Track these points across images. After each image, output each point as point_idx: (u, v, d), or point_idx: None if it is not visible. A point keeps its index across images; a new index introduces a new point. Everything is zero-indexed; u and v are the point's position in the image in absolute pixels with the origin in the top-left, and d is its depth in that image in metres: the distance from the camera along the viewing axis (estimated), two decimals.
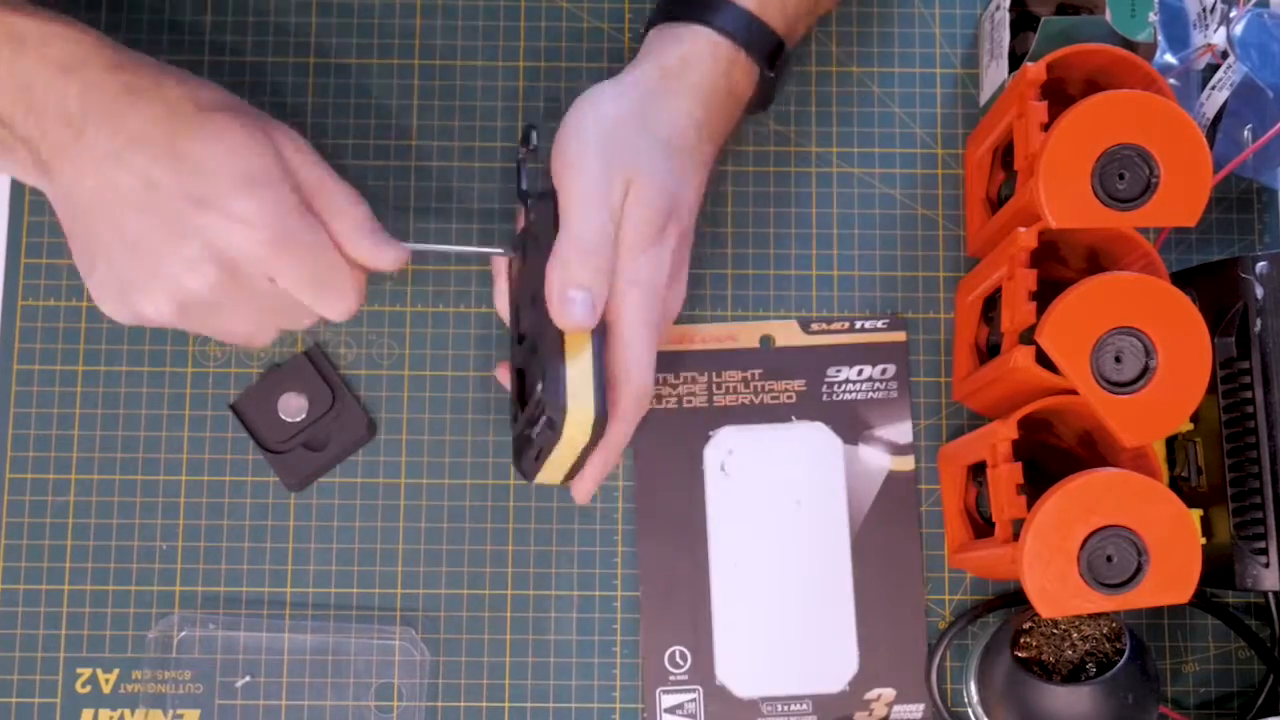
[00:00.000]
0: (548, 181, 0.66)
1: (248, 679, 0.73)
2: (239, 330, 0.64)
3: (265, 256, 0.59)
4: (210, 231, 0.59)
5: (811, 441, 0.76)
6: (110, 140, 0.59)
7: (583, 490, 0.69)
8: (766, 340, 0.77)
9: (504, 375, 0.71)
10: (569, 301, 0.62)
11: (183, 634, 0.73)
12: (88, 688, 0.73)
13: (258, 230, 0.59)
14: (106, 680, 0.73)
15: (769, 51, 0.70)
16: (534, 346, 0.65)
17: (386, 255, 0.64)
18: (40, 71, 0.59)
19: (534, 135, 0.69)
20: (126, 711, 0.73)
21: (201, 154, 0.59)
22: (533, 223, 0.66)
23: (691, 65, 0.68)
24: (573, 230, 0.63)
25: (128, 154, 0.58)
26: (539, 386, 0.62)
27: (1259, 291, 0.67)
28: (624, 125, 0.66)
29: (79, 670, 0.73)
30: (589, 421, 0.62)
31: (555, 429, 0.62)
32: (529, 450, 0.66)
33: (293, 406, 0.74)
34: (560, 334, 0.63)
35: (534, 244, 0.65)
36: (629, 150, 0.65)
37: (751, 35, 0.69)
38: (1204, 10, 0.74)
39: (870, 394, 0.76)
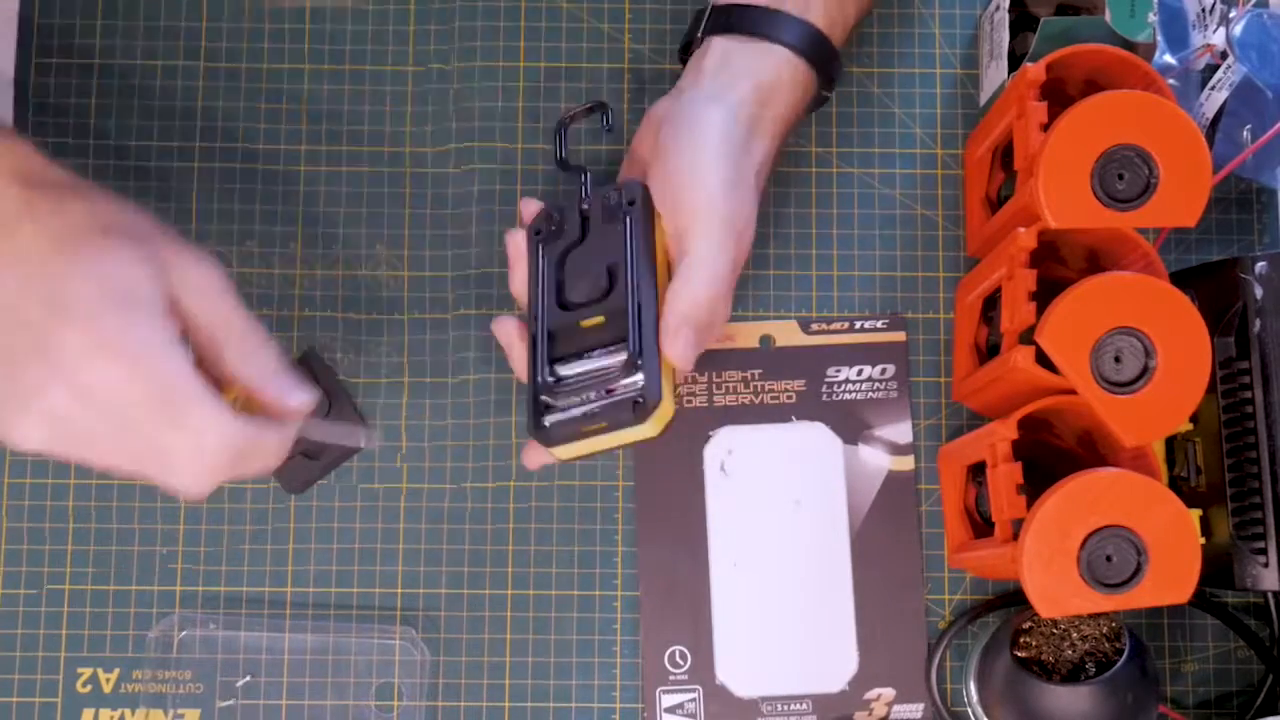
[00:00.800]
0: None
1: (248, 679, 0.73)
2: (112, 462, 0.58)
3: (116, 380, 0.55)
4: (63, 348, 0.55)
5: (811, 441, 0.76)
6: (9, 255, 0.56)
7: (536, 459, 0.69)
8: (766, 340, 0.77)
9: (504, 332, 0.68)
10: (682, 339, 0.63)
11: (183, 634, 0.73)
12: (88, 687, 0.73)
13: (111, 349, 0.55)
14: (107, 680, 0.73)
15: (831, 71, 0.71)
16: (612, 323, 0.65)
17: (287, 394, 0.60)
18: None
19: (610, 115, 0.71)
20: (127, 711, 0.73)
21: (76, 272, 0.56)
22: (607, 199, 0.67)
23: (780, 92, 0.68)
24: (709, 265, 0.64)
25: (16, 269, 0.56)
26: (634, 370, 0.63)
27: (1258, 292, 0.67)
28: (738, 158, 0.66)
29: (80, 670, 0.73)
30: (666, 419, 0.64)
31: (639, 415, 0.63)
32: (582, 422, 0.65)
33: None
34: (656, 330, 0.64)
35: (599, 225, 0.67)
36: (746, 191, 0.67)
37: (822, 56, 0.69)
38: (1203, 10, 0.74)
39: (870, 394, 0.76)
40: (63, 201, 0.58)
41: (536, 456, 0.69)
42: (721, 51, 0.69)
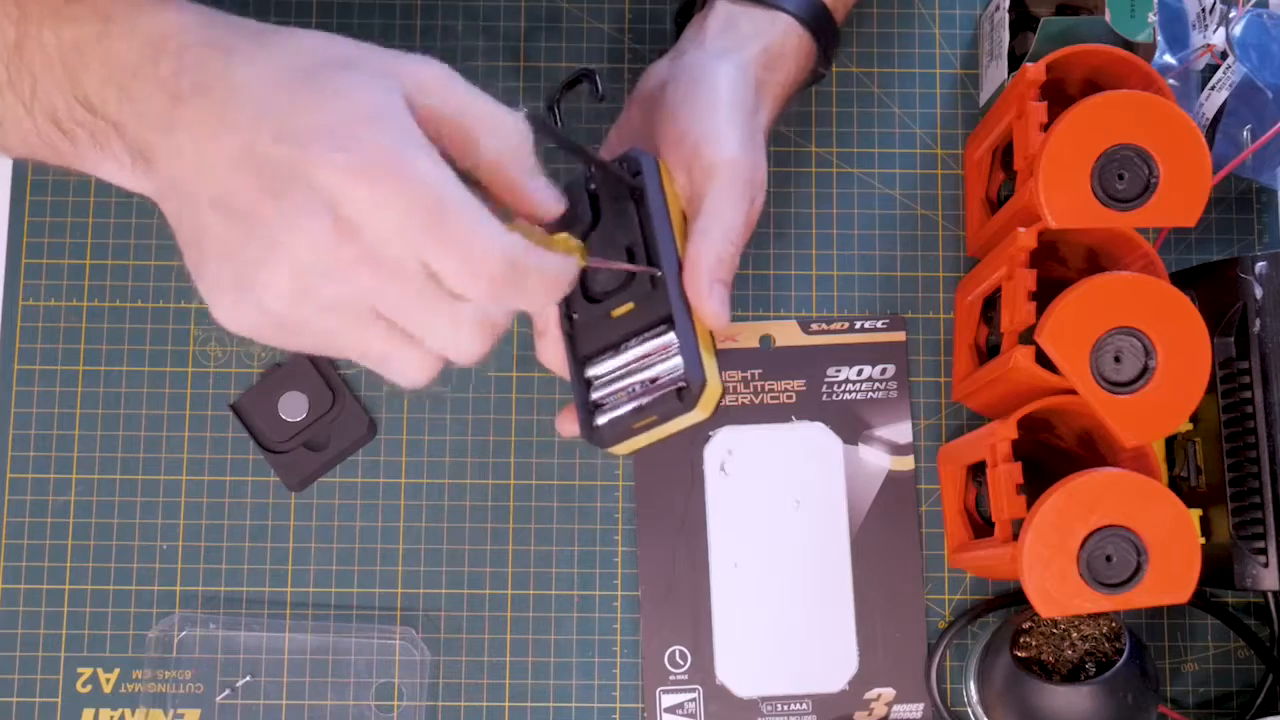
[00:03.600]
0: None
1: (248, 679, 0.73)
2: (362, 336, 0.52)
3: (379, 196, 0.48)
4: (314, 172, 0.48)
5: (811, 441, 0.76)
6: (208, 103, 0.50)
7: None
8: (766, 340, 0.77)
9: (539, 317, 0.64)
10: (716, 296, 0.60)
11: (183, 634, 0.73)
12: (88, 687, 0.73)
13: (373, 168, 0.48)
14: (107, 680, 0.73)
15: (830, 46, 0.70)
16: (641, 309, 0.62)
17: (543, 198, 0.54)
18: (131, 47, 0.52)
19: (599, 82, 0.68)
20: (127, 711, 0.73)
21: (312, 101, 0.50)
22: (612, 175, 0.63)
23: (784, 61, 0.67)
24: (726, 221, 0.61)
25: (228, 111, 0.50)
26: (674, 358, 0.60)
27: (1258, 291, 0.67)
28: (751, 117, 0.64)
29: (80, 670, 0.73)
30: (715, 398, 0.61)
31: (686, 402, 0.59)
32: (632, 418, 0.62)
33: (293, 406, 0.74)
34: (688, 309, 0.60)
35: (610, 205, 0.63)
36: (760, 157, 0.64)
37: (824, 30, 0.68)
38: (1203, 10, 0.74)
39: (870, 394, 0.76)
40: (265, 43, 0.52)
41: (569, 425, 0.64)
42: (726, 14, 0.68)
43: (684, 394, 0.59)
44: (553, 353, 0.64)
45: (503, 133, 0.52)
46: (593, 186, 0.64)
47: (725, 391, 0.62)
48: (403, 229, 0.48)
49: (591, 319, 0.63)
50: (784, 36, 0.67)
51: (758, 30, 0.67)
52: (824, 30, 0.69)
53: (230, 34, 0.53)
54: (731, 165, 0.62)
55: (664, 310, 0.61)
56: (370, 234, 0.49)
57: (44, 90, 0.53)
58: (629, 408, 0.61)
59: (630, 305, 0.62)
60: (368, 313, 0.51)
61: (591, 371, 0.63)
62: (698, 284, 0.60)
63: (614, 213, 0.63)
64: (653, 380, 0.61)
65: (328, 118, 0.49)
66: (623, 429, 0.62)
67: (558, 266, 0.52)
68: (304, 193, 0.48)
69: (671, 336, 0.60)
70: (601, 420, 0.62)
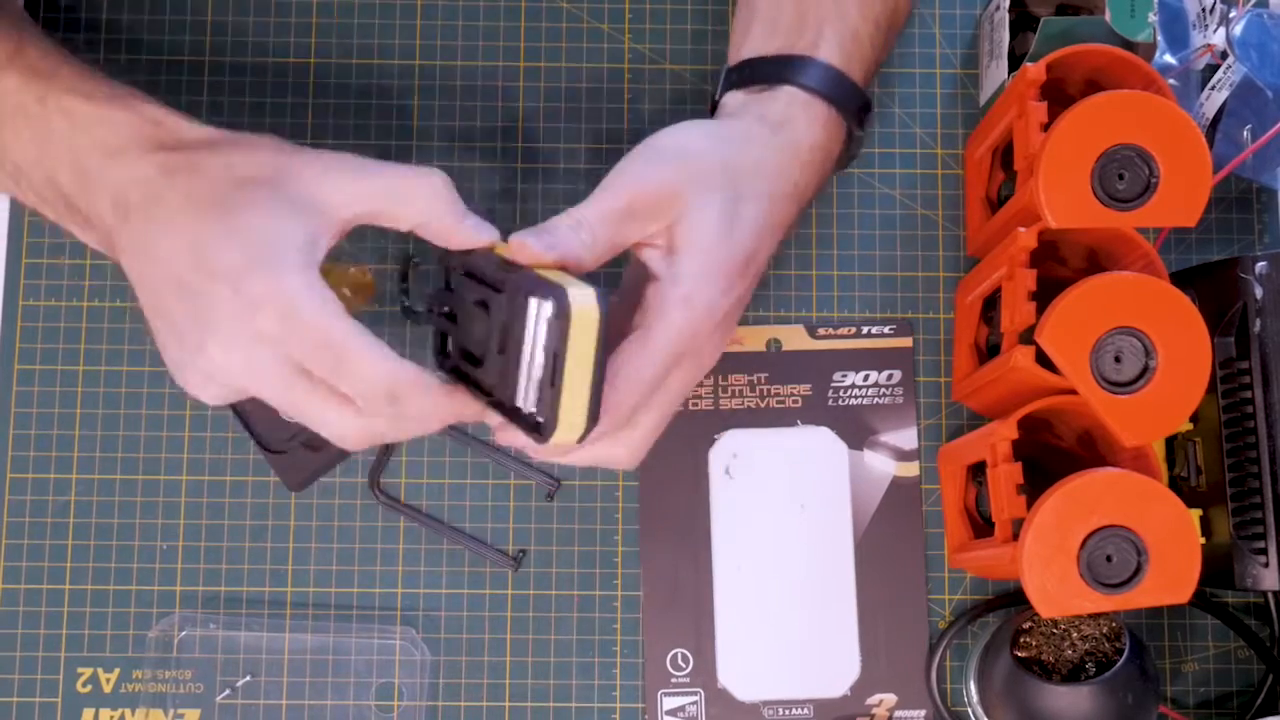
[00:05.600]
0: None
1: (248, 679, 0.73)
2: (289, 412, 0.59)
3: (276, 336, 0.56)
4: (220, 312, 0.56)
5: (816, 446, 0.76)
6: (147, 225, 0.58)
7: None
8: (773, 344, 0.77)
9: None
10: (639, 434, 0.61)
11: (183, 634, 0.73)
12: (88, 687, 0.73)
13: (264, 310, 0.56)
14: (107, 680, 0.73)
15: (856, 109, 0.69)
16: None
17: (477, 235, 0.60)
18: (91, 153, 0.60)
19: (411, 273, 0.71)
20: (127, 711, 0.73)
21: (218, 233, 0.57)
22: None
23: (792, 122, 0.66)
24: (680, 325, 0.60)
25: (159, 240, 0.58)
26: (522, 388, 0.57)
27: (1259, 291, 0.67)
28: (745, 196, 0.63)
29: (80, 670, 0.73)
30: (583, 430, 0.57)
31: (541, 436, 0.57)
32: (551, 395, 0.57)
33: None
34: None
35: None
36: (752, 232, 0.62)
37: (839, 92, 0.67)
38: (1203, 10, 0.74)
39: (876, 399, 0.76)
40: (198, 162, 0.59)
41: (510, 437, 0.62)
42: (738, 103, 0.67)
43: (539, 429, 0.57)
44: (509, 436, 0.61)
45: (420, 200, 0.59)
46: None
47: (588, 427, 0.58)
48: (300, 357, 0.56)
49: (483, 367, 0.60)
50: (788, 106, 0.66)
51: (759, 103, 0.66)
52: (839, 92, 0.67)
53: (169, 149, 0.59)
54: (694, 236, 0.61)
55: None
56: (266, 354, 0.57)
57: (23, 166, 0.62)
58: (488, 400, 0.59)
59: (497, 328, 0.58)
60: (279, 397, 0.58)
61: (506, 394, 0.59)
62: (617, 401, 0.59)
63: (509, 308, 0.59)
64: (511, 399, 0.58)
65: (228, 254, 0.56)
66: (553, 408, 0.57)
67: (435, 406, 0.58)
68: (208, 319, 0.56)
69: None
70: (543, 421, 0.57)
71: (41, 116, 0.60)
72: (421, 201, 0.59)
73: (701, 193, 0.61)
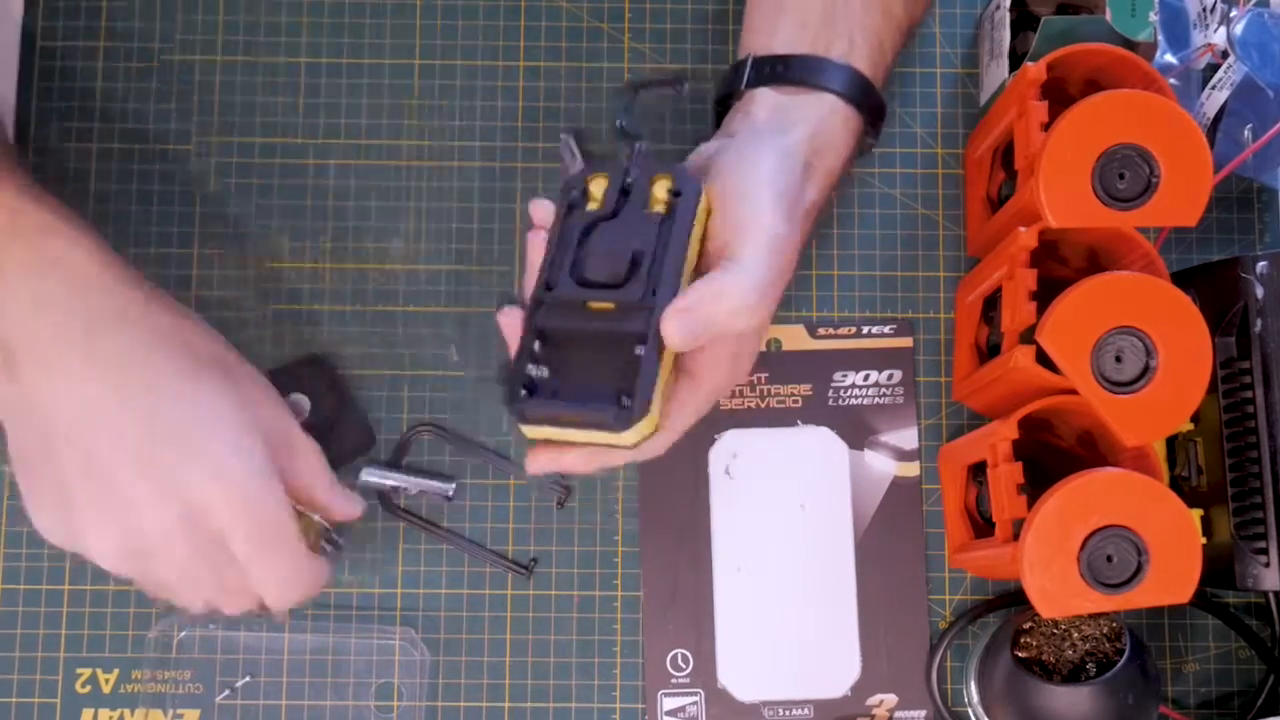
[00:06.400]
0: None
1: (247, 679, 0.73)
2: (173, 587, 0.61)
3: (230, 512, 0.58)
4: (188, 480, 0.57)
5: (817, 446, 0.76)
6: (88, 354, 0.57)
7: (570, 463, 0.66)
8: (773, 344, 0.76)
9: (508, 325, 0.63)
10: (685, 322, 0.59)
11: (183, 634, 0.73)
12: (88, 688, 0.73)
13: (230, 484, 0.58)
14: (106, 680, 0.73)
15: (876, 118, 0.70)
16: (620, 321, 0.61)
17: (346, 505, 0.66)
18: (26, 265, 0.57)
19: (685, 86, 0.70)
20: (126, 711, 0.73)
21: (181, 395, 0.58)
22: (645, 181, 0.63)
23: (833, 142, 0.68)
24: (745, 276, 0.60)
25: (107, 375, 0.57)
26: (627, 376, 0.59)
27: (1259, 291, 0.67)
28: (792, 200, 0.64)
29: (79, 670, 0.73)
30: (647, 431, 0.61)
31: (619, 422, 0.58)
32: (561, 409, 0.60)
33: (295, 408, 0.74)
34: (660, 340, 0.59)
35: (639, 206, 0.63)
36: (793, 232, 0.64)
37: (868, 101, 0.69)
38: (1204, 10, 0.74)
39: (876, 399, 0.76)
40: (152, 314, 0.59)
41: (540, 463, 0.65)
42: (773, 103, 0.68)
43: (620, 414, 0.58)
44: (541, 464, 0.64)
45: (318, 463, 0.65)
46: (629, 179, 0.63)
47: (655, 431, 0.62)
48: (241, 539, 0.59)
49: (568, 298, 0.61)
50: (831, 117, 0.68)
51: (806, 115, 0.67)
52: (867, 101, 0.69)
53: (123, 289, 0.59)
54: (759, 224, 0.62)
55: (641, 327, 0.59)
56: (209, 532, 0.58)
57: None
58: (564, 402, 0.60)
59: (610, 305, 0.61)
60: (178, 571, 0.60)
61: (545, 349, 0.61)
62: (675, 302, 0.59)
63: (635, 215, 0.63)
64: (597, 386, 0.59)
65: (196, 417, 0.58)
66: (546, 415, 0.60)
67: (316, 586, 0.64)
68: (167, 484, 0.57)
69: (637, 353, 0.59)
70: (529, 400, 0.60)
71: None
72: (307, 464, 0.64)
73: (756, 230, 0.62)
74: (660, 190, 0.63)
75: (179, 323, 0.61)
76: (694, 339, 0.59)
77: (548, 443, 0.62)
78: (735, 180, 0.63)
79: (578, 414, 0.59)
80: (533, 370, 0.61)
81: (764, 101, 0.68)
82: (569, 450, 0.62)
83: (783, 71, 0.68)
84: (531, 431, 0.61)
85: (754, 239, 0.61)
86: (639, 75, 0.70)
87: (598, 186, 0.65)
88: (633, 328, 0.60)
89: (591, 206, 0.64)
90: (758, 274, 0.60)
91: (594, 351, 0.61)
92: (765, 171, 0.64)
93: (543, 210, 0.65)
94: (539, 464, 0.63)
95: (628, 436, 0.59)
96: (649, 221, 0.62)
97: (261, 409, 0.62)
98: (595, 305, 0.61)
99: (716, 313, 0.59)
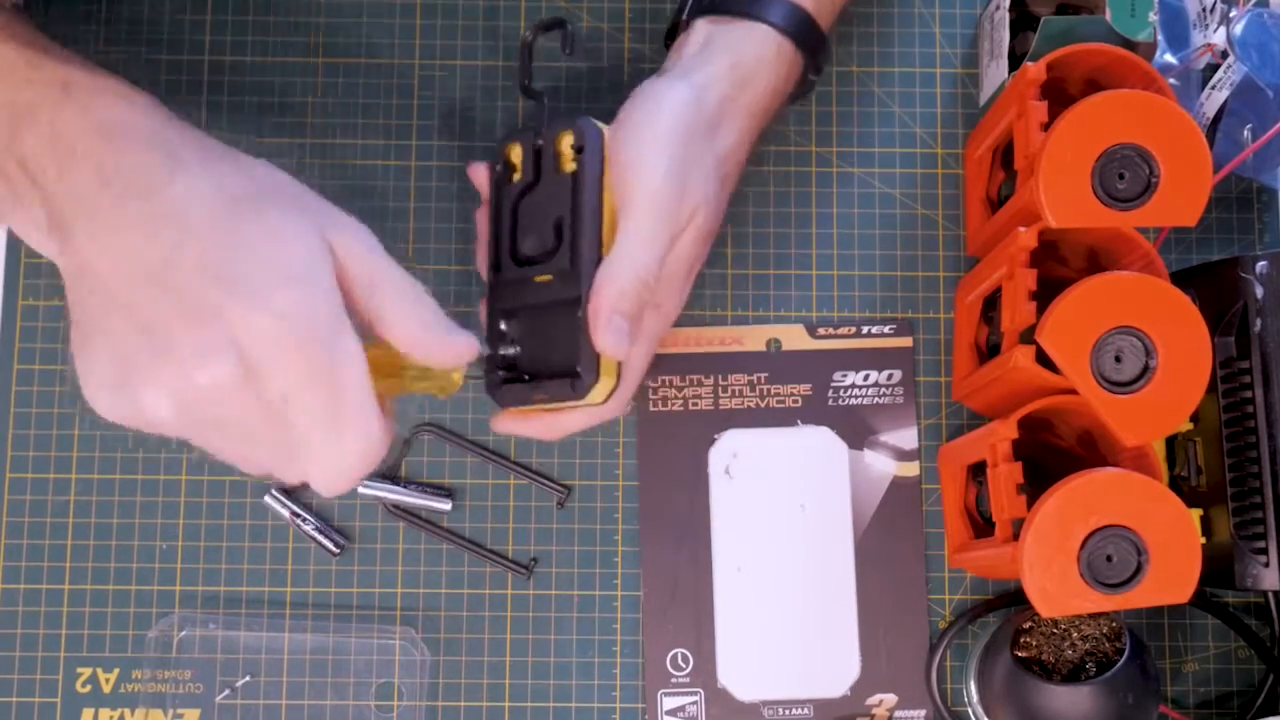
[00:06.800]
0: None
1: (248, 679, 0.73)
2: (230, 451, 0.54)
3: (288, 362, 0.51)
4: (234, 320, 0.50)
5: (817, 446, 0.76)
6: (143, 207, 0.52)
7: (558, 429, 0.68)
8: (773, 343, 0.76)
9: (479, 179, 0.69)
10: (613, 328, 0.62)
11: (183, 634, 0.73)
12: (88, 687, 0.73)
13: (289, 328, 0.51)
14: (107, 680, 0.73)
15: (818, 54, 0.69)
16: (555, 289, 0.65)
17: (449, 348, 0.57)
18: (81, 127, 0.53)
19: (571, 35, 0.68)
20: (126, 711, 0.73)
21: (240, 238, 0.52)
22: (552, 141, 0.65)
23: (760, 74, 0.67)
24: (636, 256, 0.62)
25: (160, 224, 0.51)
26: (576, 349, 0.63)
27: (1259, 291, 0.67)
28: (696, 140, 0.64)
29: (79, 670, 0.73)
30: (606, 389, 0.65)
31: (577, 391, 0.63)
32: (532, 390, 0.65)
33: None
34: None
35: (552, 170, 0.65)
36: (700, 176, 0.64)
37: (808, 36, 0.68)
38: (1204, 10, 0.74)
39: (876, 399, 0.76)
40: (211, 159, 0.54)
41: (503, 422, 0.69)
42: (705, 34, 0.68)
43: (575, 383, 0.63)
44: (507, 426, 0.68)
45: (411, 303, 0.56)
46: (539, 143, 0.65)
47: (618, 382, 0.65)
48: (300, 394, 0.51)
49: (514, 278, 0.66)
50: (761, 48, 0.67)
51: (732, 44, 0.67)
52: (807, 37, 0.68)
53: (181, 143, 0.54)
54: (650, 197, 0.63)
55: (576, 293, 0.63)
56: (269, 387, 0.51)
57: None
58: (532, 384, 0.65)
59: (549, 277, 0.64)
60: (240, 436, 0.53)
61: (506, 335, 0.67)
62: (596, 315, 0.62)
63: (551, 179, 0.65)
64: (563, 371, 0.64)
65: (255, 265, 0.51)
66: (522, 397, 0.66)
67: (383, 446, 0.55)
68: (218, 331, 0.50)
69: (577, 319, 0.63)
70: (504, 384, 0.66)
71: (29, 81, 0.54)
72: (410, 305, 0.56)
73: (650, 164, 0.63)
74: (565, 147, 0.65)
75: (245, 167, 0.55)
76: (623, 335, 0.62)
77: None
78: (628, 132, 0.64)
79: (544, 393, 0.64)
80: (506, 350, 0.66)
81: (697, 34, 0.68)
82: (532, 419, 0.67)
83: (721, 2, 0.68)
84: (511, 412, 0.67)
85: (637, 207, 0.63)
86: (528, 32, 0.68)
87: (516, 155, 0.67)
88: (571, 294, 0.63)
89: (516, 177, 0.67)
90: (645, 249, 0.62)
91: (549, 321, 0.65)
92: (664, 118, 0.64)
93: (480, 175, 0.68)
94: (503, 427, 0.68)
95: (594, 396, 0.64)
96: (561, 184, 0.64)
97: (340, 240, 0.54)
98: (538, 278, 0.64)
99: (623, 299, 0.62)
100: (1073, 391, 0.64)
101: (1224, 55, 0.73)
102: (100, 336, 0.52)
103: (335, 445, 0.53)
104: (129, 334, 0.51)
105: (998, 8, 0.74)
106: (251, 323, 0.50)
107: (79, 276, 0.53)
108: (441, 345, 0.57)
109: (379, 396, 0.54)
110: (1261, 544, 0.66)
